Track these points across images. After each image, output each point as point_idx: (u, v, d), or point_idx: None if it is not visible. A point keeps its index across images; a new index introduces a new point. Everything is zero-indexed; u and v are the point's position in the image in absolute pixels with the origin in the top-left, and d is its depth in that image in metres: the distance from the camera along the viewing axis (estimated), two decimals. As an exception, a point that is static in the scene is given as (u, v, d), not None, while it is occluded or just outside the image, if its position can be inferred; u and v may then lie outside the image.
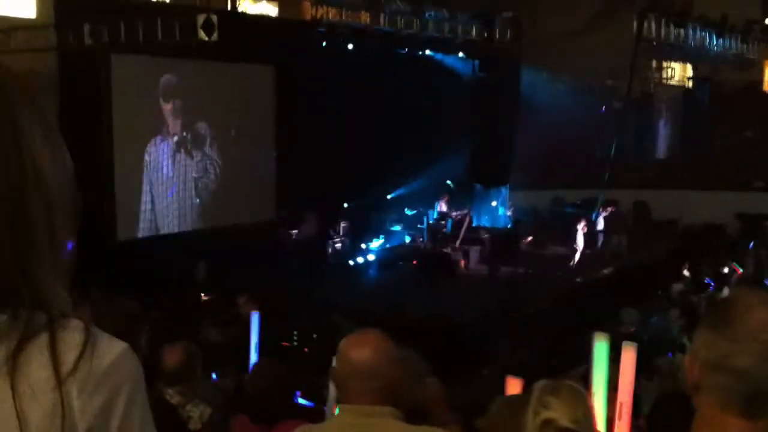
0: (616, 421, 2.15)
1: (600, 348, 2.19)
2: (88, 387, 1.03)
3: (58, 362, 1.02)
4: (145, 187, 14.43)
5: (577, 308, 14.58)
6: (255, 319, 3.83)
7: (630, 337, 12.56)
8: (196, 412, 3.71)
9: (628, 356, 2.17)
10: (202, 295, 14.07)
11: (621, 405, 2.15)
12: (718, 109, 25.96)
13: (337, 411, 3.27)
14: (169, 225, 14.83)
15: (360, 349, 2.40)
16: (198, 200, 15.44)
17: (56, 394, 1.01)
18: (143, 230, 14.39)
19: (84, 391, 1.03)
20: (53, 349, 1.03)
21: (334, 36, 16.30)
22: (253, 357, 3.78)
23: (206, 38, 13.16)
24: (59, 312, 1.06)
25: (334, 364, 2.54)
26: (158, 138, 14.62)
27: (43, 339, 1.04)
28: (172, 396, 3.70)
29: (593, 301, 15.47)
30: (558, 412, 2.06)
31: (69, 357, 1.03)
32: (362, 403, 2.36)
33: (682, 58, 26.70)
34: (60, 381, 1.02)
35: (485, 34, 18.30)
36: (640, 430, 3.43)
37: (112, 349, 1.08)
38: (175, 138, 14.95)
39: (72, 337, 1.05)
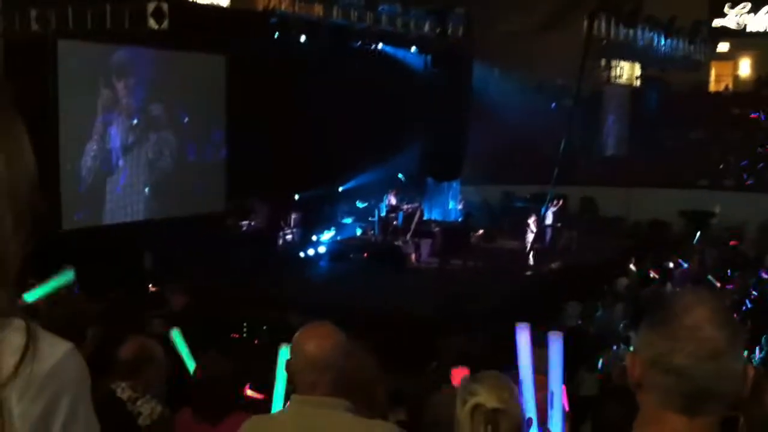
0: (548, 410, 2.19)
1: (522, 338, 2.24)
2: (29, 392, 1.00)
3: None
4: (92, 177, 14.18)
5: (525, 302, 14.73)
6: (176, 336, 3.82)
7: (575, 331, 12.77)
8: (147, 409, 3.65)
9: (555, 346, 2.21)
10: (150, 286, 13.92)
11: (551, 395, 2.19)
12: (665, 109, 26.44)
13: (287, 403, 3.27)
14: (117, 214, 14.59)
15: (313, 342, 2.41)
16: (148, 190, 15.23)
17: None
18: (89, 219, 14.14)
19: (25, 396, 1.00)
20: None
21: (287, 27, 16.21)
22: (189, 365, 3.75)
23: (156, 26, 13.02)
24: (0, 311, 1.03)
25: (287, 356, 2.54)
26: (106, 126, 14.37)
27: None
28: (123, 390, 3.64)
29: (541, 294, 15.66)
30: (484, 396, 2.16)
31: (9, 361, 1.00)
32: (315, 394, 2.36)
33: (631, 58, 27.13)
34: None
35: (438, 30, 18.37)
36: (575, 421, 3.48)
37: (55, 351, 1.04)
38: (124, 126, 14.71)
39: (13, 339, 1.02)
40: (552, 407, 2.18)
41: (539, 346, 2.24)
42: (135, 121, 14.89)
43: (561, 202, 19.94)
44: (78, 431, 1.05)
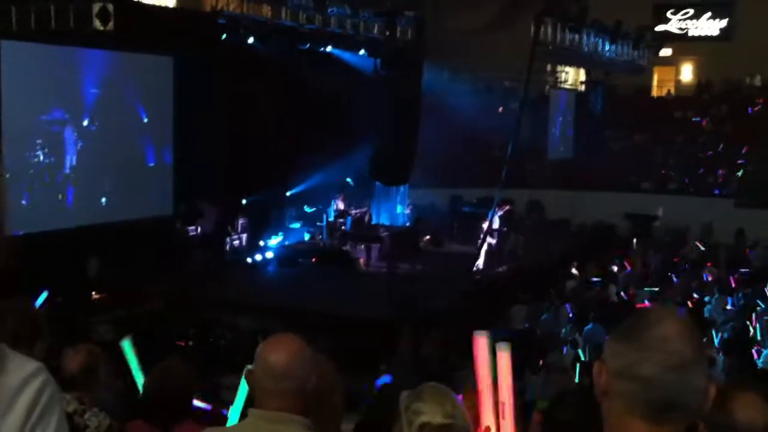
0: (501, 421, 2.21)
1: (481, 346, 2.24)
2: None
3: None
4: (36, 181, 13.89)
5: (473, 305, 14.84)
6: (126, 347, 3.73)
7: (522, 334, 12.91)
8: (94, 422, 3.57)
9: (503, 356, 2.23)
10: (94, 293, 13.70)
11: (502, 405, 2.21)
12: (609, 113, 26.87)
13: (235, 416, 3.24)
14: (61, 219, 14.29)
15: (275, 352, 2.40)
16: (93, 194, 14.98)
17: None
18: (31, 225, 13.82)
19: None
20: None
21: (235, 29, 16.09)
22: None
23: (102, 27, 12.82)
24: None
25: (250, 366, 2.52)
26: (51, 129, 14.10)
27: None
28: (69, 402, 3.55)
29: (489, 298, 15.79)
30: (429, 414, 2.13)
31: None
32: (272, 406, 2.35)
33: (577, 63, 27.51)
34: None
35: (387, 33, 18.39)
36: (536, 425, 3.50)
37: (22, 369, 1.04)
38: (69, 129, 14.45)
39: None
40: (504, 417, 2.20)
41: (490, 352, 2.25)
42: (80, 124, 14.65)
43: (508, 208, 20.12)
44: None
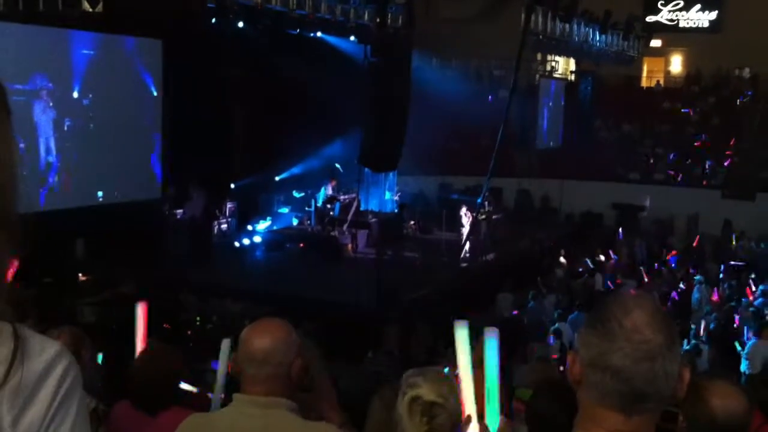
0: (485, 407, 2.21)
1: (460, 335, 2.25)
2: (19, 400, 0.99)
3: None
4: (23, 162, 13.78)
5: (461, 292, 14.88)
6: (140, 310, 3.63)
7: (508, 322, 12.95)
8: None
9: (491, 342, 2.23)
10: (80, 274, 13.66)
11: (488, 390, 2.22)
12: (598, 103, 26.91)
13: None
14: (49, 201, 14.23)
15: (258, 336, 2.39)
16: (81, 176, 14.91)
17: None
18: (20, 206, 13.74)
19: (15, 405, 0.99)
20: None
21: (224, 13, 15.98)
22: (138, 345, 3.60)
23: (90, 9, 12.72)
24: None
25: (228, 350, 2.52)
26: (40, 111, 14.02)
27: None
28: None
29: (476, 285, 15.83)
30: (423, 389, 2.21)
31: None
32: (257, 391, 2.35)
33: (567, 53, 27.51)
34: None
35: (378, 20, 18.32)
36: (517, 414, 3.53)
37: (44, 353, 1.03)
38: (58, 111, 14.36)
39: (1, 346, 1.00)
40: (489, 403, 2.21)
41: (476, 339, 2.27)
42: (69, 106, 14.56)
43: (493, 200, 20.13)
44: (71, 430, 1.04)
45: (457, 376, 2.23)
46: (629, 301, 1.58)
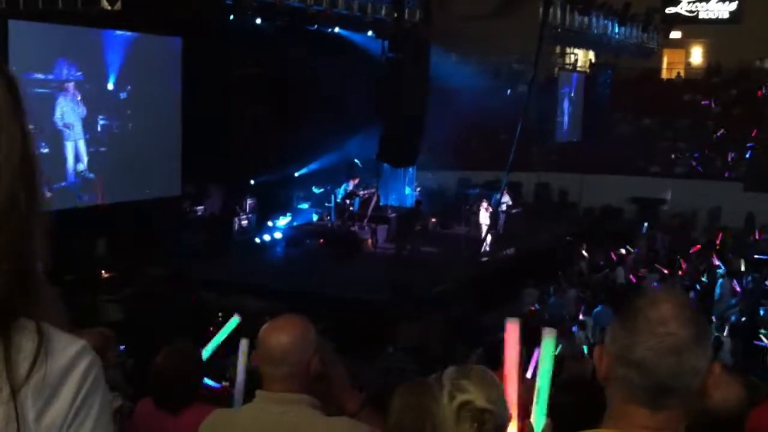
0: (533, 407, 2.19)
1: (512, 333, 2.21)
2: (43, 395, 1.00)
3: (11, 373, 0.98)
4: (43, 160, 13.86)
5: (480, 288, 14.85)
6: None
7: (532, 317, 12.91)
8: None
9: (546, 342, 2.20)
10: (103, 271, 13.75)
11: (538, 390, 2.19)
12: (618, 96, 26.73)
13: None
14: (70, 199, 14.31)
15: (275, 335, 2.38)
16: (101, 173, 14.97)
17: (10, 405, 0.97)
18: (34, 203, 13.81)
19: (39, 400, 0.99)
20: (6, 358, 0.98)
21: (242, 9, 16.02)
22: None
23: (109, 7, 12.80)
24: (14, 309, 1.01)
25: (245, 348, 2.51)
26: (59, 109, 14.09)
27: None
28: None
29: (496, 280, 15.79)
30: (473, 394, 2.08)
31: (22, 366, 0.99)
32: (277, 389, 2.35)
33: (586, 45, 27.38)
34: (14, 392, 0.98)
35: (395, 14, 18.31)
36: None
37: (67, 351, 1.03)
38: (77, 109, 14.43)
39: (24, 343, 1.00)
40: (538, 403, 2.17)
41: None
42: (89, 104, 14.63)
43: (512, 195, 20.07)
44: (94, 428, 1.04)
45: (498, 374, 2.19)
46: (657, 294, 1.56)
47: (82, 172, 14.64)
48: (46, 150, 13.75)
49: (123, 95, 15.24)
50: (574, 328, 11.86)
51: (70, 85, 14.19)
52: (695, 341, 1.49)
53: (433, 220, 19.88)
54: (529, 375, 2.46)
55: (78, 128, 14.47)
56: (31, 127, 1.09)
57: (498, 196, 18.25)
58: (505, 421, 2.08)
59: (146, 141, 15.65)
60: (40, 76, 13.48)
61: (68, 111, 14.22)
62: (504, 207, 18.94)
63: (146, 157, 15.57)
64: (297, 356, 2.35)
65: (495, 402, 2.07)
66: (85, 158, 14.65)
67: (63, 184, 14.26)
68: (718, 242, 19.07)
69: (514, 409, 2.10)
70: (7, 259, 1.00)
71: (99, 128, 14.88)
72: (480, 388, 2.10)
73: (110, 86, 14.97)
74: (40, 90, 13.48)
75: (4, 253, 1.00)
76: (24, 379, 0.99)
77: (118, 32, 14.68)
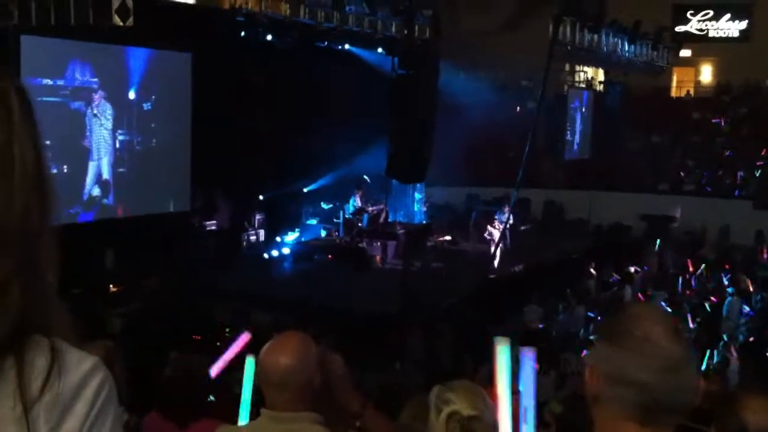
0: (522, 425, 2.20)
1: (501, 353, 2.24)
2: (55, 412, 1.00)
3: (23, 391, 0.98)
4: (53, 174, 13.94)
5: (488, 304, 14.81)
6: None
7: (536, 334, 12.88)
8: None
9: (528, 363, 2.22)
10: (111, 286, 13.78)
11: (524, 410, 2.21)
12: (627, 113, 26.71)
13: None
14: (79, 212, 14.38)
15: (274, 357, 2.37)
16: (111, 187, 15.04)
17: (22, 423, 0.97)
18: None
19: (52, 418, 0.99)
20: (20, 376, 0.98)
21: (253, 26, 16.11)
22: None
23: (121, 23, 12.84)
24: (30, 327, 1.01)
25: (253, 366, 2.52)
26: (70, 124, 14.16)
27: (8, 364, 0.99)
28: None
29: (504, 297, 15.75)
30: (458, 405, 2.17)
31: (35, 383, 0.99)
32: (281, 408, 2.35)
33: (595, 63, 27.38)
34: (26, 410, 0.98)
35: (405, 31, 18.37)
36: (547, 427, 3.50)
37: (80, 367, 1.03)
38: (88, 124, 14.51)
39: (37, 360, 1.00)
40: (525, 422, 2.19)
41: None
42: (99, 119, 14.71)
43: (521, 211, 20.03)
44: None
45: (488, 390, 2.22)
46: (642, 312, 1.56)
47: (93, 185, 14.71)
48: (56, 163, 13.81)
49: (134, 110, 15.32)
50: (585, 352, 11.79)
51: (84, 102, 14.29)
52: (686, 357, 1.51)
53: (442, 236, 19.88)
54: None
55: (89, 144, 14.54)
56: (47, 142, 1.10)
57: (506, 213, 18.24)
58: (495, 424, 2.11)
59: (156, 156, 15.72)
60: (51, 94, 13.59)
61: (80, 128, 14.31)
62: (512, 224, 18.91)
63: (158, 172, 15.64)
64: (298, 376, 2.34)
65: (481, 409, 2.12)
66: (96, 171, 14.73)
67: (73, 196, 14.31)
68: (726, 258, 19.00)
69: (507, 428, 2.12)
70: (21, 275, 1.00)
71: (110, 143, 14.95)
72: (464, 397, 2.18)
73: (122, 102, 15.06)
74: (51, 110, 13.58)
75: (17, 269, 1.00)
76: (37, 397, 0.99)
77: (130, 48, 14.78)
